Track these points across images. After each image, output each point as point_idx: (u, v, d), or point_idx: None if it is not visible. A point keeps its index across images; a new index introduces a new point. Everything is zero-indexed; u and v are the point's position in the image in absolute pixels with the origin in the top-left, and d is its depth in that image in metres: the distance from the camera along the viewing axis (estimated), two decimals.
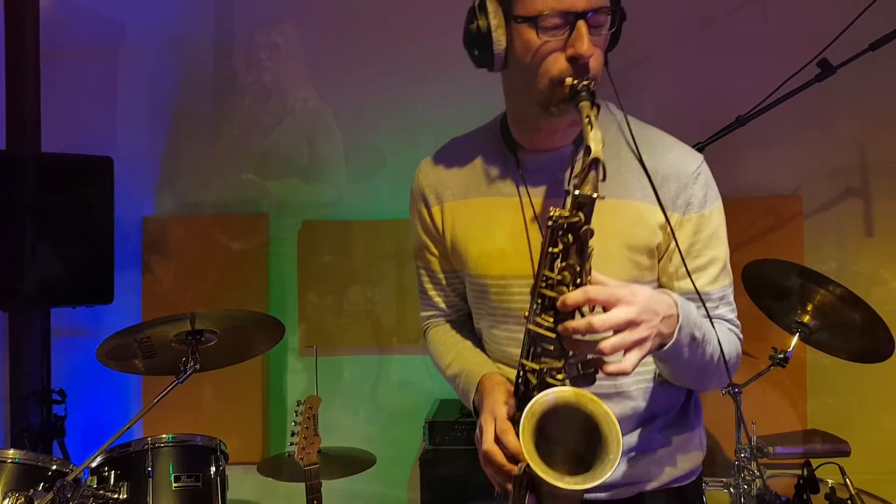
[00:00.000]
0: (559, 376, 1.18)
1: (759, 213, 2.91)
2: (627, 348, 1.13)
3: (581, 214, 1.15)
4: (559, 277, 1.17)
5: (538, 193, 1.39)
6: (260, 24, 3.13)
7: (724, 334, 1.34)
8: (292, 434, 2.38)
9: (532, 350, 1.22)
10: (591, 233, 1.16)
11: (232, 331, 2.24)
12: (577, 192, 1.14)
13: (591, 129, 1.15)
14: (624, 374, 1.13)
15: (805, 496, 2.32)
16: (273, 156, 3.17)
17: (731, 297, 1.42)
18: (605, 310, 1.14)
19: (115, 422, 3.10)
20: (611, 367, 1.14)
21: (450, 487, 2.73)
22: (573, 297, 1.13)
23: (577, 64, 1.25)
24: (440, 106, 2.74)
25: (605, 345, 1.12)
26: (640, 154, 1.30)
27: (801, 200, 2.94)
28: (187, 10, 3.16)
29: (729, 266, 1.40)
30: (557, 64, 1.26)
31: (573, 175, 1.18)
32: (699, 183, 1.35)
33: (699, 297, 1.28)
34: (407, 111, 2.98)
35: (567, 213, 1.16)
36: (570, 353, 1.18)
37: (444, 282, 1.57)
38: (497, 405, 1.31)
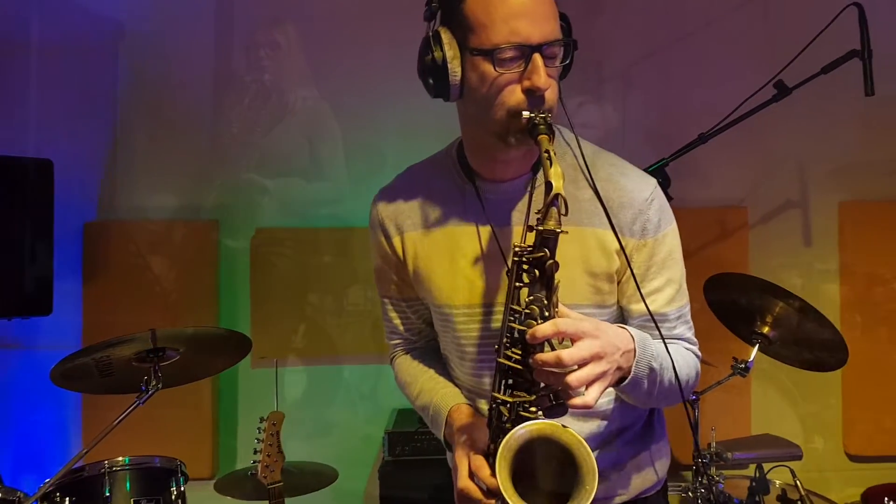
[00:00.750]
0: (532, 409, 1.21)
1: (707, 224, 3.01)
2: (590, 381, 1.17)
3: (546, 249, 1.18)
4: (528, 311, 1.19)
5: (498, 222, 1.40)
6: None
7: (681, 356, 1.40)
8: (255, 451, 2.33)
9: (503, 383, 1.24)
10: (557, 266, 1.19)
11: (195, 347, 2.16)
12: (540, 227, 1.17)
13: (551, 164, 1.17)
14: (587, 407, 1.16)
15: (757, 498, 2.43)
16: (225, 160, 3.08)
17: (689, 316, 1.47)
18: (572, 342, 1.17)
19: (52, 441, 2.95)
20: (576, 401, 1.17)
21: (410, 498, 2.72)
22: (542, 329, 1.16)
23: (534, 96, 1.26)
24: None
25: (572, 378, 1.15)
26: (594, 183, 1.33)
27: (746, 212, 3.06)
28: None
29: (685, 286, 1.45)
30: (514, 96, 1.27)
31: (536, 210, 1.20)
32: (653, 208, 1.39)
33: (654, 321, 1.32)
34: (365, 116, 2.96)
35: (531, 248, 1.20)
36: (541, 384, 1.20)
37: (407, 310, 1.58)
38: (469, 441, 1.33)
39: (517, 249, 1.23)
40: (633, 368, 1.25)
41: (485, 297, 1.41)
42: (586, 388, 1.17)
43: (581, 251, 1.37)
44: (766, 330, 2.20)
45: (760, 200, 3.07)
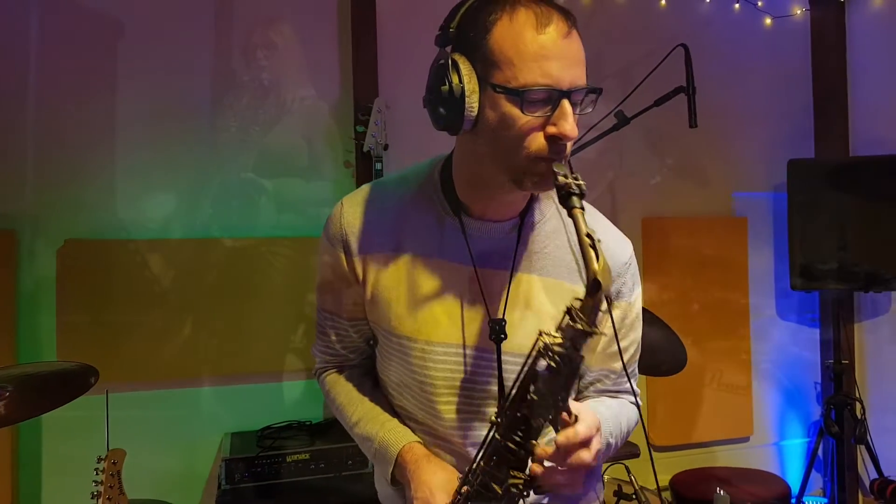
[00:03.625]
0: (520, 486, 1.20)
1: None
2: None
3: (576, 347, 1.11)
4: (536, 398, 1.16)
5: (480, 263, 1.34)
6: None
7: (627, 413, 1.46)
8: (93, 495, 2.07)
9: (492, 456, 1.21)
10: (583, 359, 1.14)
11: (28, 384, 1.86)
12: (580, 327, 1.10)
13: (598, 257, 1.08)
14: (574, 493, 1.23)
15: None
16: (32, 165, 2.71)
17: (637, 369, 1.52)
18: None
19: None
20: (566, 490, 1.21)
21: None
22: (582, 432, 1.16)
23: (558, 144, 1.20)
24: None
25: (566, 478, 1.19)
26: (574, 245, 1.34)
27: None
28: None
29: (640, 343, 1.48)
30: (537, 141, 1.20)
31: (580, 305, 1.11)
32: (629, 272, 1.41)
33: (627, 375, 1.38)
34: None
35: (563, 343, 1.12)
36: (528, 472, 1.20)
37: (350, 329, 1.50)
38: (433, 484, 1.31)
39: (547, 342, 1.13)
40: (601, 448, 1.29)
41: (450, 336, 1.35)
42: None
43: (559, 304, 1.31)
44: None
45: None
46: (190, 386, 2.90)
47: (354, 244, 1.39)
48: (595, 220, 1.42)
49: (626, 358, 1.42)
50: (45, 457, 2.71)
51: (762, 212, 3.56)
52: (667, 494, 3.17)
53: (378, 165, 2.82)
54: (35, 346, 2.69)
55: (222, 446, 2.78)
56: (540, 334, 1.15)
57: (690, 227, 3.46)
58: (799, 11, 3.62)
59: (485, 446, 1.22)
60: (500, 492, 1.20)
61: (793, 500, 3.14)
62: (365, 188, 1.44)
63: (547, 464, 1.21)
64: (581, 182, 1.15)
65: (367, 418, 1.46)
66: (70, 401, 2.00)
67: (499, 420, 1.20)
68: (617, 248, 1.41)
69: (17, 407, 1.88)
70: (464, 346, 1.35)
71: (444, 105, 1.23)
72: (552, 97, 1.18)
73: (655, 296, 3.38)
